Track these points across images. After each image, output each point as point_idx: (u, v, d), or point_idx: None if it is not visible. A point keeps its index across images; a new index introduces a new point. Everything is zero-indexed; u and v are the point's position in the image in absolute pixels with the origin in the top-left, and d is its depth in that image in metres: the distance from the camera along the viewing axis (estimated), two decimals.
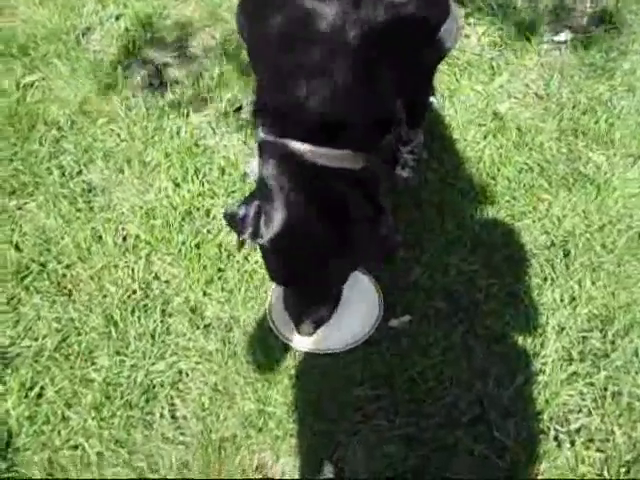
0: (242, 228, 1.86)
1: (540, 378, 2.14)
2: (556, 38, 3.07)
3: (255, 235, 1.83)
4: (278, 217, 1.76)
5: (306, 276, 1.90)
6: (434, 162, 2.63)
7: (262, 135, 1.81)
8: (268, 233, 1.78)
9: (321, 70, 1.71)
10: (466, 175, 2.60)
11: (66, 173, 2.70)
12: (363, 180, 1.84)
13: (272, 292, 2.28)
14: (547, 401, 2.10)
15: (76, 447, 2.08)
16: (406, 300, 2.30)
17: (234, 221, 1.89)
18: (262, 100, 1.87)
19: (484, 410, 2.10)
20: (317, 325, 2.08)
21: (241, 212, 1.86)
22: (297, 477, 2.02)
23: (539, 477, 1.99)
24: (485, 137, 2.71)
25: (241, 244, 1.90)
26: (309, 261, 1.85)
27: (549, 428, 2.06)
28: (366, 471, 2.01)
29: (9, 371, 2.22)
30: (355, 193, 1.82)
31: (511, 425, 2.06)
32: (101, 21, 3.26)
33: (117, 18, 3.26)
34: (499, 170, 2.60)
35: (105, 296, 2.36)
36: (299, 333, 2.09)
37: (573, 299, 2.29)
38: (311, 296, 2.03)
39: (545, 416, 2.08)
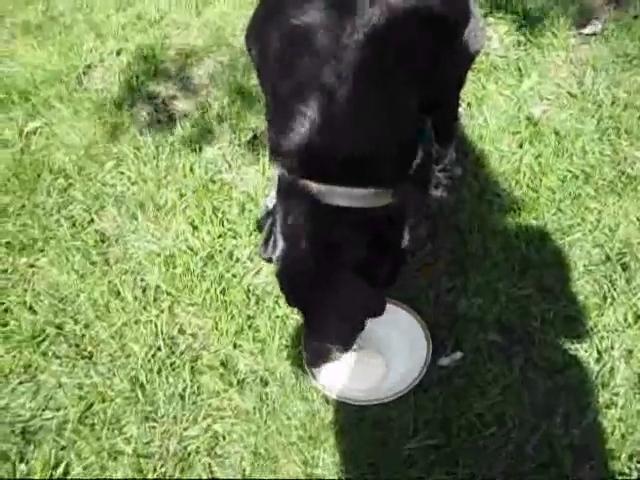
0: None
1: (612, 412, 1.94)
2: (584, 31, 2.87)
3: (264, 250, 1.83)
4: (281, 244, 1.72)
5: (305, 301, 1.81)
6: (469, 178, 2.43)
7: (279, 171, 1.71)
8: (274, 253, 1.75)
9: (323, 98, 1.55)
10: (505, 189, 2.40)
11: (77, 224, 2.54)
12: (382, 218, 1.72)
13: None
14: (623, 436, 1.90)
15: None
16: (455, 335, 2.11)
17: (260, 226, 1.94)
18: (275, 137, 1.71)
19: (554, 453, 1.89)
20: (323, 357, 1.95)
21: (263, 221, 1.92)
22: None
23: None
24: (521, 145, 2.52)
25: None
26: (306, 289, 1.75)
27: (630, 468, 1.85)
28: None
29: (31, 448, 2.05)
30: (364, 235, 1.70)
31: (586, 468, 1.85)
32: (102, 58, 3.14)
33: (118, 53, 3.13)
34: (540, 180, 2.41)
35: (128, 356, 2.19)
36: (307, 364, 2.01)
37: (639, 317, 2.08)
38: (315, 324, 1.88)
39: (623, 454, 1.87)
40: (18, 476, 1.99)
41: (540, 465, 1.88)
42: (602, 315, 2.10)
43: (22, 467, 2.01)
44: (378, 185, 1.67)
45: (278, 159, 1.68)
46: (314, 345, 1.93)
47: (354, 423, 1.97)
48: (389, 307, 1.98)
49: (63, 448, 2.04)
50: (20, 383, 2.18)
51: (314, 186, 1.63)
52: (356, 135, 1.58)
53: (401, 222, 1.80)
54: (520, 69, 2.77)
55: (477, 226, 2.30)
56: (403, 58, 1.61)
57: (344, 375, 2.05)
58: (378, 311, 1.84)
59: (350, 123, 1.57)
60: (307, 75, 1.57)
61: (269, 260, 1.82)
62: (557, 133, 2.53)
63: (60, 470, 1.99)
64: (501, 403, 1.98)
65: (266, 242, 1.81)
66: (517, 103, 2.65)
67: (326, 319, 1.85)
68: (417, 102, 1.70)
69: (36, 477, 1.98)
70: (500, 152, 2.50)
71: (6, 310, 2.35)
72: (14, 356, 2.24)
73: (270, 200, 2.33)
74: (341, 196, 1.63)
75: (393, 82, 1.61)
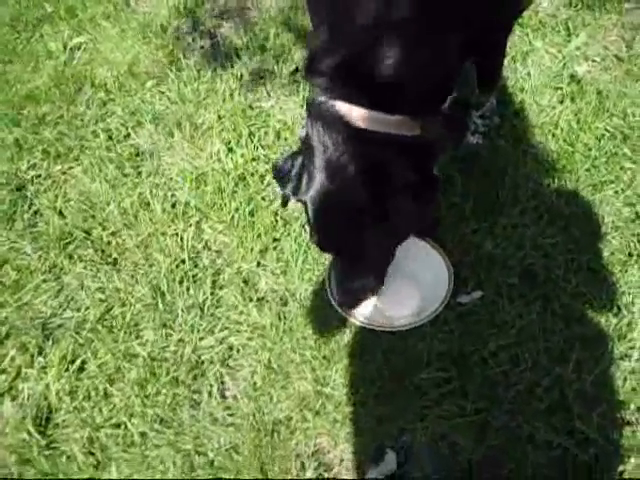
0: (285, 181, 1.81)
1: (626, 364, 1.93)
2: None
3: (296, 191, 1.77)
4: (318, 178, 1.67)
5: (344, 242, 1.80)
6: (507, 127, 2.42)
7: (313, 94, 1.69)
8: (308, 192, 1.70)
9: (379, 27, 1.54)
10: (541, 142, 2.39)
11: (113, 137, 2.57)
12: (418, 147, 1.70)
13: (330, 263, 2.09)
14: (634, 389, 1.89)
15: (118, 425, 1.94)
16: (477, 275, 2.10)
17: (279, 174, 1.84)
18: (315, 56, 1.70)
19: (564, 397, 1.89)
20: (358, 298, 1.96)
21: (286, 166, 1.81)
22: (356, 465, 1.84)
23: (626, 476, 1.78)
24: (561, 101, 2.50)
25: (285, 200, 1.88)
26: (346, 226, 1.74)
27: (637, 420, 1.85)
28: (431, 462, 1.83)
29: (50, 343, 2.09)
30: (404, 160, 1.68)
31: (594, 415, 1.85)
32: None
33: None
34: (577, 136, 2.39)
35: (152, 265, 2.21)
36: (338, 304, 1.99)
37: None
38: (351, 265, 1.89)
39: (632, 406, 1.87)
40: (36, 366, 2.03)
41: (548, 407, 1.88)
42: (626, 272, 2.09)
43: (40, 359, 2.05)
44: (410, 113, 1.66)
45: (315, 77, 1.67)
46: (348, 286, 1.94)
47: (368, 348, 1.99)
48: (415, 241, 1.99)
49: (81, 345, 2.07)
50: (44, 281, 2.22)
51: (349, 109, 1.62)
52: (396, 59, 1.57)
53: (428, 158, 1.80)
54: (569, 28, 2.74)
55: (509, 173, 2.28)
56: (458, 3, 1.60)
57: (375, 302, 2.06)
58: (431, 231, 1.84)
59: (392, 46, 1.55)
60: (362, 8, 1.54)
61: (299, 201, 1.81)
62: (599, 93, 2.50)
63: (76, 364, 2.03)
64: (516, 345, 1.97)
65: (297, 183, 1.78)
66: (562, 61, 2.63)
67: (364, 259, 1.86)
68: (461, 38, 1.69)
69: (53, 369, 2.01)
70: (540, 106, 2.48)
71: (36, 212, 2.39)
72: (40, 256, 2.28)
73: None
74: (376, 121, 1.62)
75: (439, 11, 1.58)
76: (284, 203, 1.91)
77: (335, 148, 1.64)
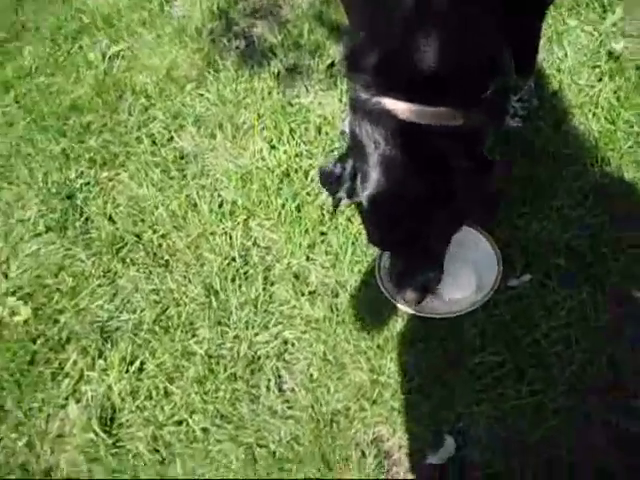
0: (338, 186, 1.81)
1: None
2: None
3: (351, 192, 1.78)
4: (374, 175, 1.68)
5: (406, 237, 1.80)
6: (546, 109, 2.42)
7: (355, 91, 1.69)
8: (365, 190, 1.71)
9: (416, 19, 1.55)
10: (582, 121, 2.39)
11: (157, 141, 2.62)
12: (464, 135, 1.69)
13: (380, 253, 2.12)
14: None
15: (180, 423, 1.98)
16: (525, 258, 2.12)
17: (329, 179, 1.84)
18: (355, 53, 1.72)
19: (618, 376, 1.90)
20: (423, 292, 1.98)
21: (337, 170, 1.81)
22: (416, 451, 1.87)
23: None
24: (600, 79, 2.50)
25: (337, 203, 1.88)
26: (408, 220, 1.75)
27: None
28: (489, 445, 1.84)
29: (109, 345, 2.14)
30: (455, 148, 1.68)
31: None
32: None
33: None
34: (619, 114, 2.38)
35: (203, 265, 2.26)
36: (405, 301, 2.00)
37: None
38: (414, 260, 1.92)
39: None
40: (97, 369, 2.09)
41: (604, 387, 1.89)
42: None
43: (100, 362, 2.10)
44: (453, 104, 1.66)
45: (357, 75, 1.68)
46: (412, 282, 1.96)
47: (421, 335, 2.01)
48: (464, 229, 2.00)
49: (139, 346, 2.12)
50: (99, 286, 2.28)
51: (393, 104, 1.62)
52: (438, 51, 1.57)
53: (477, 145, 1.80)
54: (604, 5, 2.73)
55: (552, 154, 2.29)
56: None
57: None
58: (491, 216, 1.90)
59: (433, 39, 1.56)
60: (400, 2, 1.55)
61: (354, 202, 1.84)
62: (638, 68, 2.49)
63: (136, 365, 2.08)
64: (568, 325, 1.98)
65: (352, 185, 1.78)
66: (598, 38, 2.63)
67: (426, 251, 1.89)
68: (500, 24, 1.69)
69: (114, 371, 2.07)
70: (578, 85, 2.48)
71: (87, 219, 2.45)
72: (94, 262, 2.33)
73: (347, 125, 2.36)
74: (420, 114, 1.63)
75: (483, 8, 1.59)
76: (335, 207, 1.93)
77: (386, 143, 1.65)
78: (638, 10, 2.70)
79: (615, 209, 2.17)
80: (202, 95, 2.71)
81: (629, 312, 2.00)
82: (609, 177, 2.23)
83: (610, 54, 2.55)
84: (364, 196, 1.71)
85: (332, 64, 2.70)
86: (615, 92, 2.44)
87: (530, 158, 2.29)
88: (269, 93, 2.64)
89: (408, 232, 1.78)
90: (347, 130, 2.32)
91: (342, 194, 1.81)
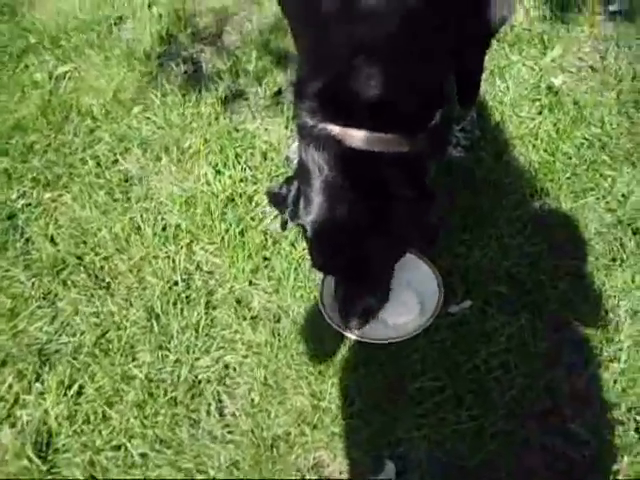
0: (283, 207, 1.85)
1: (615, 365, 1.98)
2: (611, 8, 2.90)
3: (294, 215, 1.82)
4: (317, 200, 1.71)
5: (348, 262, 1.83)
6: (488, 140, 2.48)
7: (302, 118, 1.72)
8: (308, 215, 1.74)
9: (360, 46, 1.58)
10: (522, 152, 2.45)
11: (101, 163, 2.59)
12: (409, 163, 1.73)
13: (323, 279, 2.13)
14: (624, 390, 1.94)
15: (119, 447, 1.94)
16: (466, 284, 2.15)
17: (276, 200, 1.89)
18: (302, 81, 1.75)
19: (556, 401, 1.94)
20: (365, 318, 1.99)
21: (283, 191, 1.86)
22: (356, 476, 1.87)
23: (620, 476, 1.82)
24: (540, 112, 2.57)
25: (284, 225, 1.94)
26: (349, 246, 1.77)
27: (629, 419, 1.89)
28: (429, 470, 1.85)
29: (47, 369, 2.09)
30: (398, 176, 1.72)
31: (587, 416, 1.90)
32: (134, 10, 3.18)
33: (149, 6, 3.17)
34: (557, 146, 2.45)
35: (145, 288, 2.24)
36: (347, 328, 2.01)
37: None
38: (356, 285, 1.93)
39: (623, 406, 1.91)
40: (34, 392, 2.04)
41: (542, 411, 1.92)
42: (610, 275, 2.14)
43: (37, 385, 2.05)
44: (401, 131, 1.69)
45: (304, 101, 1.70)
46: (355, 308, 1.97)
47: (362, 361, 2.02)
48: (407, 256, 2.03)
49: (78, 370, 2.08)
50: (39, 308, 2.23)
51: (339, 130, 1.65)
52: (385, 78, 1.60)
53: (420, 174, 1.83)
54: (544, 42, 2.82)
55: (493, 184, 2.34)
56: (448, 14, 1.63)
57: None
58: (432, 244, 1.92)
59: (378, 65, 1.59)
60: (351, 26, 1.57)
61: (298, 225, 1.86)
62: (576, 103, 2.58)
63: (74, 389, 2.03)
64: (506, 351, 2.01)
65: (295, 208, 1.82)
66: (539, 73, 2.71)
67: (369, 277, 1.90)
68: (446, 51, 1.73)
69: (51, 394, 2.02)
70: (519, 117, 2.55)
71: (28, 240, 2.41)
72: (34, 283, 2.28)
73: (292, 151, 2.38)
74: (366, 141, 1.66)
75: (424, 28, 1.61)
76: (283, 227, 1.95)
77: (330, 169, 1.68)
78: (576, 47, 2.79)
79: (553, 238, 2.23)
80: (149, 118, 2.70)
81: (566, 338, 2.04)
82: (548, 207, 2.29)
83: (550, 88, 2.64)
84: (307, 221, 1.74)
85: (279, 91, 2.73)
86: (554, 124, 2.51)
87: (471, 187, 2.34)
88: (215, 118, 2.65)
89: (350, 258, 1.80)
90: (292, 156, 2.36)
91: (286, 215, 1.84)
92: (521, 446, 1.87)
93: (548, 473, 1.82)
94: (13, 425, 2.00)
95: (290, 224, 1.88)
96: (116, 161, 2.59)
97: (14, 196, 2.54)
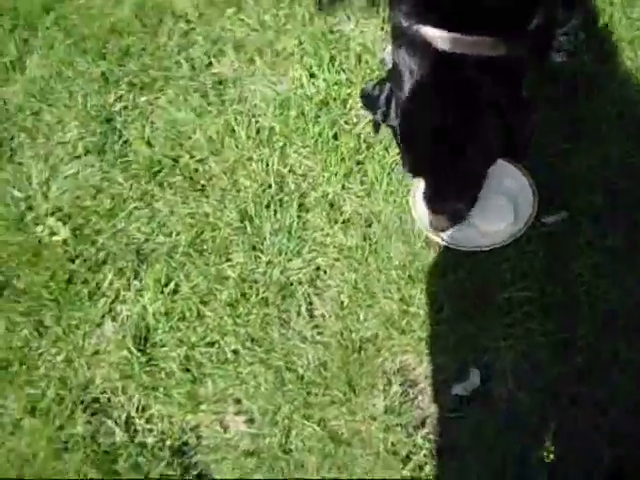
0: (375, 108, 1.84)
1: None
2: None
3: (385, 117, 1.81)
4: (406, 103, 1.70)
5: (432, 165, 1.82)
6: (593, 44, 2.36)
7: (396, 19, 1.69)
8: (397, 118, 1.73)
9: None
10: (630, 57, 2.33)
11: (196, 66, 2.60)
12: (504, 69, 1.67)
13: (416, 183, 2.12)
14: None
15: (212, 344, 2.03)
16: (561, 196, 2.10)
17: (368, 101, 1.88)
18: None
19: None
20: (452, 221, 1.98)
21: (375, 92, 1.84)
22: (441, 381, 1.90)
23: None
24: None
25: (376, 127, 1.93)
26: (434, 148, 1.75)
27: None
28: (514, 379, 1.87)
29: (144, 267, 2.17)
30: (492, 82, 1.66)
31: None
32: None
33: None
34: None
35: (239, 191, 2.27)
36: (432, 227, 2.01)
37: None
38: (444, 188, 1.91)
39: None
40: (133, 289, 2.13)
41: (633, 327, 1.89)
42: None
43: (136, 283, 2.14)
44: (494, 34, 1.62)
45: (399, 2, 1.66)
46: (438, 210, 1.96)
47: (453, 268, 2.02)
48: (500, 163, 1.99)
49: (174, 269, 2.15)
50: (136, 209, 2.30)
51: (432, 32, 1.60)
52: None
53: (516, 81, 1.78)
54: None
55: (596, 91, 2.24)
56: None
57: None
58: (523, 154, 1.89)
59: None
60: None
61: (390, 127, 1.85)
62: None
63: (170, 287, 2.11)
64: (601, 265, 1.98)
65: (386, 109, 1.80)
66: None
67: (454, 182, 1.87)
68: None
69: (149, 292, 2.11)
70: (630, 19, 2.41)
71: (125, 142, 2.46)
72: (131, 185, 2.35)
73: (387, 54, 2.33)
74: (459, 43, 1.60)
75: None
76: (376, 129, 1.94)
77: (421, 72, 1.65)
78: None
79: None
80: (242, 20, 2.67)
81: None
82: None
83: None
84: (396, 122, 1.73)
85: None
86: None
87: (574, 94, 2.25)
88: (310, 20, 2.60)
89: (436, 161, 1.78)
90: (387, 59, 2.31)
91: (378, 116, 1.83)
92: (608, 362, 1.85)
93: (635, 387, 1.80)
94: (114, 319, 2.11)
95: (382, 127, 1.87)
96: (210, 64, 2.59)
97: (111, 100, 2.58)
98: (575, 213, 2.07)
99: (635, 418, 1.77)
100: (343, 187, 2.22)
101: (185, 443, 1.91)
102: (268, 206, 2.21)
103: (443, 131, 1.69)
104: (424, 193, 1.99)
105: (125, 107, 2.56)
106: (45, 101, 2.59)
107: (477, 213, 2.02)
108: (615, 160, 2.13)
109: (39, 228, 2.28)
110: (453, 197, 1.94)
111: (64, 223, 2.29)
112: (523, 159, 2.08)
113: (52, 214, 2.32)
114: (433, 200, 1.95)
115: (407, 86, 1.67)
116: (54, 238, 2.26)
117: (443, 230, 2.00)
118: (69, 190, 2.37)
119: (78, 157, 2.45)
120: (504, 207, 2.09)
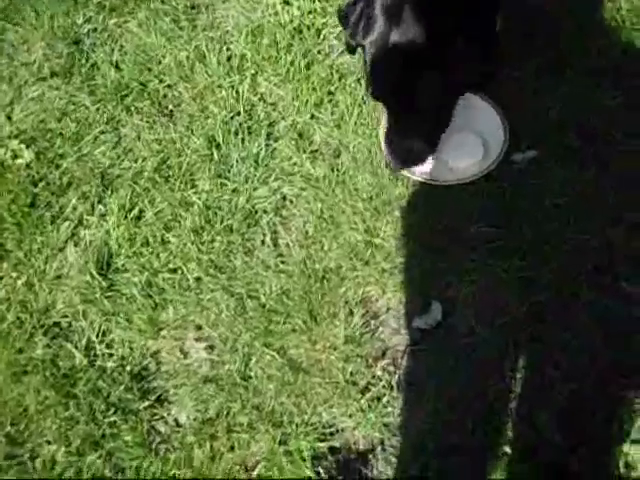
0: (348, 26, 1.84)
1: None
2: None
3: (355, 34, 1.81)
4: (378, 21, 1.71)
5: (400, 90, 1.80)
6: None
7: None
8: (368, 35, 1.75)
9: None
10: None
11: None
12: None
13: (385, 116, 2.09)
14: None
15: (175, 270, 2.01)
16: (533, 134, 2.08)
17: (342, 19, 1.88)
18: None
19: (611, 259, 1.89)
20: (410, 159, 1.96)
21: (349, 10, 1.84)
22: (402, 314, 1.89)
23: None
24: None
25: (349, 47, 1.92)
26: (401, 71, 1.75)
27: None
28: (475, 314, 1.86)
29: (109, 192, 2.15)
30: (462, 6, 1.69)
31: None
32: None
33: None
34: None
35: (207, 117, 2.23)
36: (389, 165, 1.99)
37: None
38: (406, 121, 1.89)
39: None
40: (96, 214, 2.10)
41: (595, 268, 1.88)
42: None
43: (100, 207, 2.12)
44: None
45: None
46: (398, 146, 1.94)
47: (420, 202, 2.01)
48: (471, 99, 1.97)
49: (138, 194, 2.12)
50: (102, 133, 2.26)
51: None
52: None
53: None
54: None
55: (577, 27, 2.21)
56: None
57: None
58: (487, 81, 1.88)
59: None
60: None
61: (358, 46, 1.83)
62: None
63: (134, 212, 2.09)
64: (568, 205, 1.96)
65: (356, 26, 1.79)
66: None
67: (417, 111, 1.85)
68: None
69: (112, 217, 2.08)
70: None
71: (93, 65, 2.41)
72: (98, 109, 2.31)
73: None
74: None
75: None
76: (349, 49, 1.92)
77: None
78: None
79: (635, 92, 2.11)
80: None
81: (633, 197, 1.97)
82: (633, 57, 2.16)
83: None
84: (367, 40, 1.73)
85: None
86: None
87: (551, 29, 2.22)
88: None
89: (404, 87, 1.77)
90: None
91: (347, 35, 1.83)
92: (569, 299, 1.85)
93: (594, 326, 1.81)
94: (77, 244, 2.08)
95: (353, 44, 1.85)
96: None
97: (80, 21, 2.52)
98: (546, 153, 2.05)
99: (591, 355, 1.77)
100: (313, 117, 2.19)
101: (145, 368, 1.90)
102: (236, 133, 2.18)
103: (412, 52, 1.68)
104: (387, 127, 1.97)
105: (94, 29, 2.51)
106: (10, 20, 2.53)
107: (446, 149, 2.01)
108: (593, 101, 2.10)
109: (2, 151, 2.24)
110: (416, 132, 1.91)
111: (28, 146, 2.25)
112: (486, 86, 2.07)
113: (15, 137, 2.27)
114: (393, 135, 1.93)
115: (379, 4, 1.67)
116: (17, 161, 2.22)
117: (399, 169, 1.98)
118: (33, 113, 2.33)
119: (43, 79, 2.40)
120: (474, 143, 2.06)
